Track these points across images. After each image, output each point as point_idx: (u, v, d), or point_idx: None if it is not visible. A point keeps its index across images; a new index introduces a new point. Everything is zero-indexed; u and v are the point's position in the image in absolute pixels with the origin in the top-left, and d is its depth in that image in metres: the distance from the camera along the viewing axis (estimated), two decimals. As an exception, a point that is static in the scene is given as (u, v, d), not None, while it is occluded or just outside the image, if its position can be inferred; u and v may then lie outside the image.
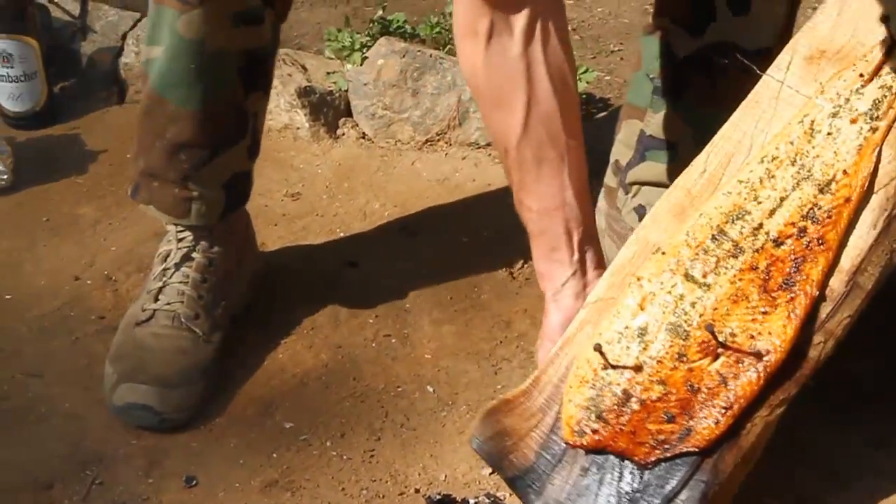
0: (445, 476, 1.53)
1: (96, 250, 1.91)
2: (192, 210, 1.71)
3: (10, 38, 2.06)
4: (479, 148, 2.08)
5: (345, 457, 1.56)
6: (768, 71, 1.36)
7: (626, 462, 1.26)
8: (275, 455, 1.56)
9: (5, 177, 2.00)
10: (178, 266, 1.72)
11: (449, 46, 2.23)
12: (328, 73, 2.19)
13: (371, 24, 2.27)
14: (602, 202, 1.82)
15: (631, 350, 1.29)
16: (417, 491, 1.51)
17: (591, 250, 1.46)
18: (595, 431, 1.28)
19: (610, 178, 1.81)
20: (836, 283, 1.25)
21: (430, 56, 2.13)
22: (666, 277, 1.30)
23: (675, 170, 1.67)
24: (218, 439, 1.59)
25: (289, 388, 1.68)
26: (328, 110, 2.16)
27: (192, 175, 1.68)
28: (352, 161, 2.11)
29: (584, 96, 2.17)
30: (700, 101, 1.66)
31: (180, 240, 1.73)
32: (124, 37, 2.23)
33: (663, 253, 1.32)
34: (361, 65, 2.15)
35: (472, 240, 1.93)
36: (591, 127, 2.04)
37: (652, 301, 1.30)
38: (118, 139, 2.14)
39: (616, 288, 1.34)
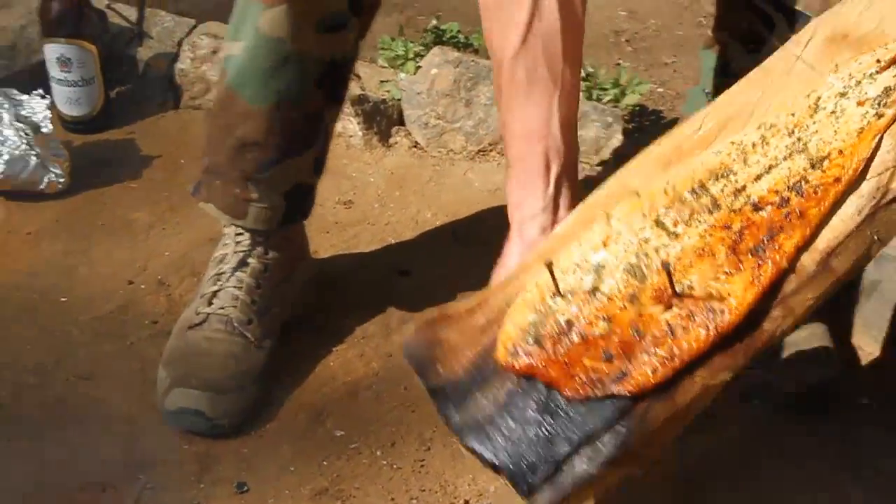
0: (495, 488, 1.53)
1: (150, 255, 1.92)
2: (249, 212, 1.71)
3: (70, 42, 2.08)
4: (532, 159, 2.08)
5: (395, 466, 1.56)
6: (785, 45, 1.33)
7: (554, 393, 1.20)
8: (325, 463, 1.57)
9: (62, 180, 2.01)
10: (233, 271, 1.73)
11: (502, 57, 2.22)
12: (381, 82, 2.20)
13: (425, 34, 2.27)
14: None
15: (584, 282, 1.23)
16: (467, 502, 1.51)
17: (567, 188, 1.38)
18: (529, 355, 1.22)
19: None
20: (808, 261, 1.21)
21: (484, 66, 2.13)
22: (636, 220, 1.25)
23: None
24: (269, 446, 1.60)
25: (340, 397, 1.68)
26: (381, 119, 2.16)
27: (255, 177, 1.68)
28: (404, 170, 2.12)
29: (636, 108, 2.16)
30: None
31: (237, 243, 1.74)
32: (180, 43, 2.24)
33: (639, 196, 1.27)
34: (415, 74, 2.16)
35: (523, 250, 1.93)
36: (643, 139, 2.04)
37: (617, 240, 1.25)
38: (172, 144, 2.15)
39: (583, 224, 1.29)
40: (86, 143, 2.14)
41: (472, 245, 1.95)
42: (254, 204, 1.70)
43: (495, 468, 1.19)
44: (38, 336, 1.77)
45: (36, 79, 2.13)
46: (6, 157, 1.97)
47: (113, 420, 1.63)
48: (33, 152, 1.99)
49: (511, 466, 1.18)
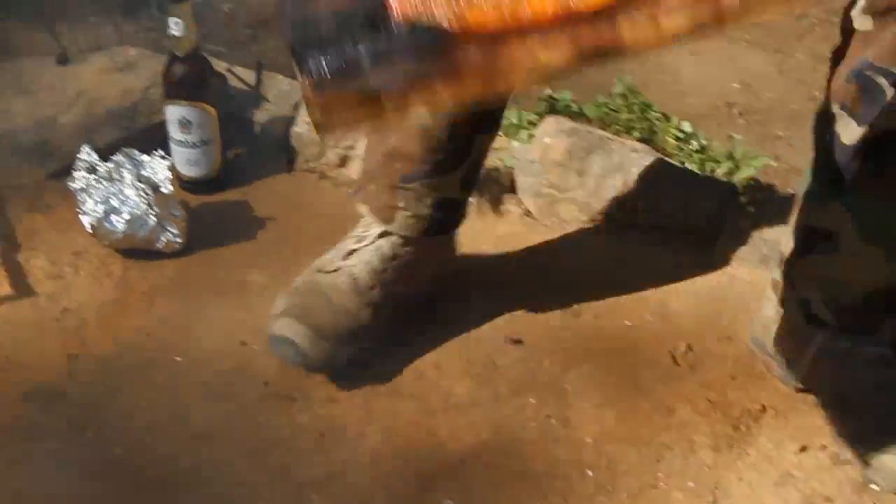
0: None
1: (263, 316, 1.93)
2: (396, 219, 1.83)
3: (191, 105, 2.12)
4: (646, 229, 2.07)
5: (505, 538, 1.56)
6: None
7: (386, 13, 1.10)
8: (435, 532, 1.57)
9: (179, 240, 2.05)
10: (376, 238, 1.85)
11: (616, 127, 2.23)
12: (494, 149, 2.20)
13: (538, 103, 2.28)
14: (769, 292, 1.80)
15: None
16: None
17: None
18: None
19: (775, 272, 1.78)
20: None
21: (597, 136, 2.14)
22: None
23: (834, 262, 1.65)
24: (379, 513, 1.60)
25: (449, 465, 1.68)
26: (493, 186, 2.17)
27: (402, 187, 1.81)
28: (515, 238, 2.12)
29: (751, 182, 2.14)
30: (866, 191, 1.63)
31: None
32: (296, 106, 2.27)
33: None
34: (528, 142, 2.17)
35: (636, 323, 1.92)
36: (758, 213, 2.03)
37: None
38: (287, 207, 2.18)
39: None
40: (202, 204, 2.17)
41: (582, 315, 1.94)
42: (401, 211, 1.82)
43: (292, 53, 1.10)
44: (153, 394, 1.80)
45: (156, 139, 2.17)
46: (126, 216, 2.01)
47: (226, 481, 1.65)
48: (152, 212, 2.02)
49: (301, 46, 1.09)
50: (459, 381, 1.83)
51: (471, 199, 2.12)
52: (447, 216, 1.87)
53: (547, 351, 1.87)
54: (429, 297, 1.92)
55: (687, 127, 2.23)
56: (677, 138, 2.21)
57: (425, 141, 1.78)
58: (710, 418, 1.75)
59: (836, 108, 1.62)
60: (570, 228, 2.13)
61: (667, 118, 2.26)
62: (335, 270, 1.84)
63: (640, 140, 2.21)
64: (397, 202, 1.82)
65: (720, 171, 2.15)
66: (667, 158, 2.14)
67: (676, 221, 2.06)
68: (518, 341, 1.89)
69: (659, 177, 2.09)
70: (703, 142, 2.20)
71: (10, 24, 2.60)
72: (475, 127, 1.80)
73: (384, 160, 1.83)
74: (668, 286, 1.97)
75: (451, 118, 1.73)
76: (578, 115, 2.26)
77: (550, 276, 2.02)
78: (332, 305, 1.80)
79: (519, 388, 1.81)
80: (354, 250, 1.85)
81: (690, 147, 2.20)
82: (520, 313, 1.95)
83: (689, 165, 2.17)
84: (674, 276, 1.98)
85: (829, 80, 1.64)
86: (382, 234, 1.85)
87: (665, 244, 2.04)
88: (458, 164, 1.81)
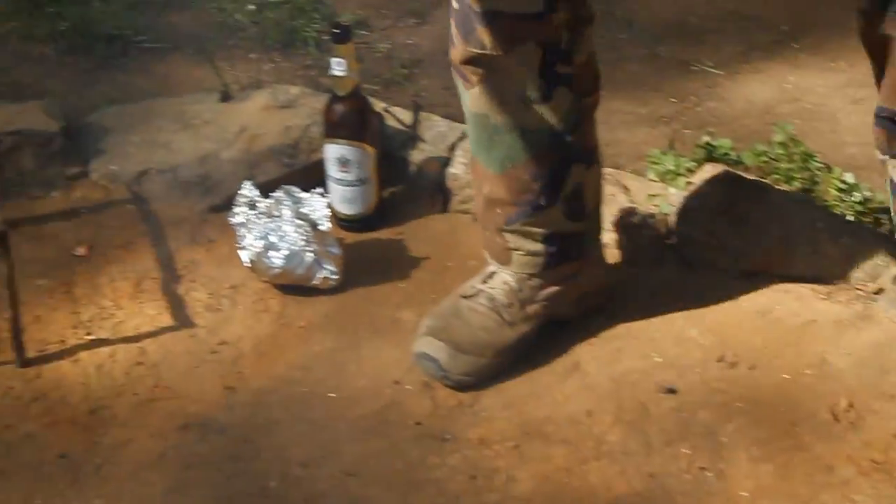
0: None
1: (416, 356, 1.95)
2: (513, 259, 1.92)
3: (351, 144, 2.15)
4: (806, 282, 2.03)
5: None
6: None
7: None
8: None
9: (335, 277, 2.07)
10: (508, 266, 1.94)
11: (775, 176, 2.20)
12: (650, 196, 2.19)
13: (696, 150, 2.26)
14: None
15: None
16: None
17: None
18: None
19: None
20: None
21: (756, 185, 2.11)
22: None
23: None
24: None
25: (601, 514, 1.67)
26: (648, 232, 2.15)
27: (505, 229, 1.90)
28: (670, 286, 2.09)
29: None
30: None
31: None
32: (452, 147, 2.28)
33: None
34: (685, 189, 2.14)
35: (794, 376, 1.88)
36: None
37: None
38: (441, 247, 2.19)
39: None
40: (357, 241, 2.20)
41: (739, 367, 1.91)
42: (514, 252, 1.91)
43: None
44: (306, 429, 1.82)
45: (314, 177, 2.21)
46: (285, 251, 2.04)
47: (377, 520, 1.65)
48: (310, 248, 2.05)
49: None
50: (611, 428, 1.81)
51: (625, 244, 2.12)
52: (564, 248, 1.92)
53: (701, 401, 1.84)
54: (572, 318, 1.98)
55: (849, 178, 2.18)
56: (839, 189, 2.17)
57: (513, 184, 1.86)
58: (872, 478, 1.70)
59: None
60: (727, 277, 2.09)
61: (829, 168, 2.22)
62: (474, 294, 1.93)
63: (801, 190, 2.17)
64: (508, 244, 1.91)
65: (884, 226, 2.10)
66: (829, 210, 2.11)
67: (838, 274, 2.02)
68: (671, 390, 1.87)
69: (820, 228, 2.05)
70: (867, 193, 2.16)
71: (173, 59, 2.67)
72: (564, 159, 1.86)
73: (485, 208, 1.93)
74: (829, 339, 1.92)
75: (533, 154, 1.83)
76: (736, 163, 2.23)
77: (706, 323, 1.99)
78: (471, 323, 1.90)
79: (672, 438, 1.78)
80: (493, 273, 1.94)
81: (853, 199, 2.15)
82: (672, 361, 1.92)
83: (850, 217, 2.12)
84: (834, 329, 1.94)
85: None
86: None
87: (826, 297, 1.99)
88: (554, 199, 1.88)
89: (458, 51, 1.82)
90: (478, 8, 1.76)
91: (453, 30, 1.83)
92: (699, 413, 1.83)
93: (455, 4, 1.80)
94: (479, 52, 1.79)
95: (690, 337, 1.98)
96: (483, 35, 1.77)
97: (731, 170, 2.16)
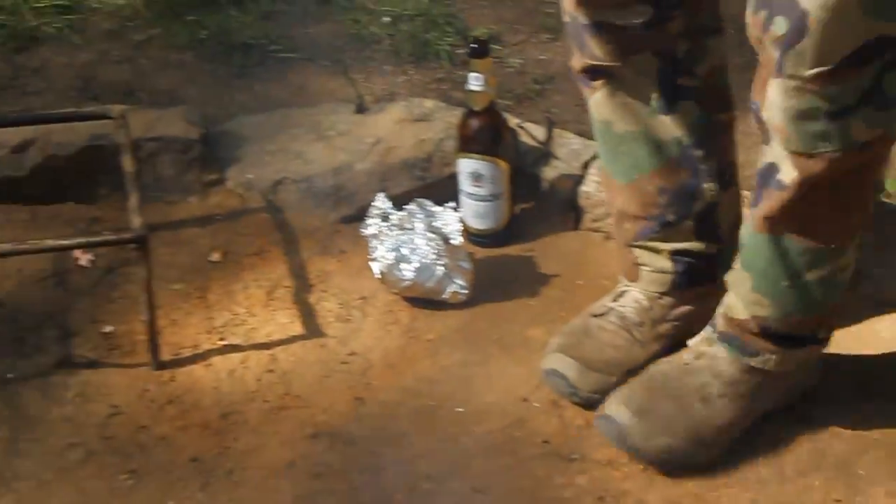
0: None
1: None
2: (641, 275, 1.91)
3: (484, 159, 2.15)
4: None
5: None
6: None
7: None
8: None
9: (465, 292, 2.07)
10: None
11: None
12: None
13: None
14: None
15: None
16: None
17: None
18: None
19: None
20: None
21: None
22: None
23: None
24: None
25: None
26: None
27: (633, 244, 1.90)
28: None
29: None
30: None
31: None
32: (586, 165, 2.27)
33: None
34: None
35: (934, 410, 1.83)
36: None
37: None
38: (571, 264, 2.18)
39: None
40: (488, 257, 2.19)
41: (874, 398, 1.86)
42: (643, 268, 1.90)
43: None
44: (434, 443, 1.82)
45: (447, 191, 2.21)
46: (417, 264, 2.04)
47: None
48: (441, 262, 2.05)
49: None
50: (743, 454, 1.78)
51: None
52: (693, 268, 1.89)
53: (837, 432, 1.81)
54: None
55: None
56: None
57: (639, 195, 1.85)
58: None
59: None
60: (865, 307, 2.03)
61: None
62: (605, 313, 1.92)
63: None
64: (636, 259, 1.91)
65: None
66: None
67: None
68: (805, 419, 1.83)
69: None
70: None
71: (309, 69, 2.69)
72: (693, 176, 1.83)
73: (616, 222, 1.93)
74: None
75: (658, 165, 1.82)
76: (877, 191, 2.18)
77: (841, 355, 1.94)
78: (601, 341, 1.89)
79: (806, 469, 1.75)
80: (624, 292, 1.93)
81: None
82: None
83: None
84: None
85: None
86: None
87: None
88: (682, 216, 1.86)
89: (575, 60, 1.82)
90: (585, 20, 1.74)
91: (569, 40, 1.82)
92: (835, 444, 1.79)
93: (566, 17, 1.79)
94: (595, 62, 1.78)
95: (826, 367, 1.93)
96: (595, 46, 1.76)
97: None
